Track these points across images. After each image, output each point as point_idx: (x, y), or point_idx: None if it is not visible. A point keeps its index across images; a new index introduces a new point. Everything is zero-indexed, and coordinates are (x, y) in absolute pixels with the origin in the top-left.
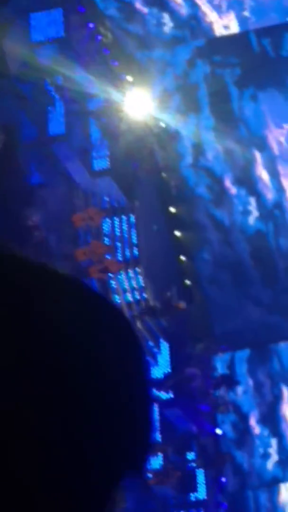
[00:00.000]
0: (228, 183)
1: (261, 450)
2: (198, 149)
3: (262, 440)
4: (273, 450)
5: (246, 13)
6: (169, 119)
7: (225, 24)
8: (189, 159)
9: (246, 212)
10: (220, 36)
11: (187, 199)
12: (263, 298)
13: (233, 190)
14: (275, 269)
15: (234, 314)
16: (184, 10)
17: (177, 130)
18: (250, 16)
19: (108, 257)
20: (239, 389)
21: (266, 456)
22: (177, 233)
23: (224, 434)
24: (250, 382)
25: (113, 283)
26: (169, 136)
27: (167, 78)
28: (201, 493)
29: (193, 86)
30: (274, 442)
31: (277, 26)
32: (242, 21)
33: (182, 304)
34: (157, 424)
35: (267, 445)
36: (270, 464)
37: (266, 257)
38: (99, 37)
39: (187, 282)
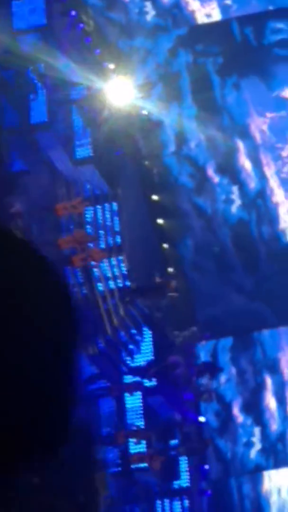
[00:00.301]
0: (210, 171)
1: (244, 439)
2: (181, 138)
3: (245, 429)
4: (256, 438)
5: (228, 1)
6: (151, 107)
7: (207, 13)
8: (172, 148)
9: (229, 201)
10: (202, 24)
11: (170, 187)
12: (245, 285)
13: (215, 178)
14: (257, 257)
15: (217, 301)
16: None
17: (159, 118)
18: (232, 4)
19: (91, 245)
20: (222, 378)
21: (249, 444)
22: (160, 221)
23: (207, 423)
24: (233, 370)
25: (96, 271)
26: (152, 124)
27: (149, 67)
28: (184, 480)
29: (175, 75)
30: (257, 430)
31: (259, 15)
32: (224, 9)
33: (173, 283)
34: (141, 411)
35: (250, 434)
36: (253, 453)
37: (248, 244)
38: (81, 25)
39: (170, 269)
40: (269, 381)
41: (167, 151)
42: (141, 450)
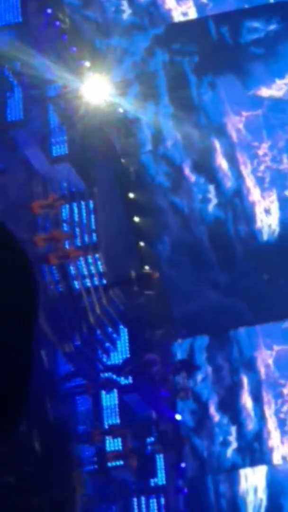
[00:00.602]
0: (187, 171)
1: (220, 438)
2: (158, 137)
3: (221, 428)
4: (232, 437)
5: (204, 0)
6: (127, 105)
7: (183, 11)
8: (148, 147)
9: (205, 200)
10: (179, 23)
11: (146, 185)
12: (221, 282)
13: (192, 178)
14: (233, 254)
15: (193, 297)
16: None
17: (136, 116)
18: (208, 3)
19: (67, 243)
20: (199, 377)
21: (226, 443)
22: (136, 219)
23: (184, 422)
24: (209, 370)
25: (72, 269)
26: (128, 122)
27: (126, 66)
28: (160, 478)
29: (152, 74)
30: (233, 429)
31: (235, 13)
32: (200, 7)
33: (156, 274)
34: (117, 409)
35: (227, 433)
36: (229, 452)
37: (224, 242)
38: (58, 23)
39: (146, 267)
40: (245, 380)
41: (144, 150)
42: (117, 448)
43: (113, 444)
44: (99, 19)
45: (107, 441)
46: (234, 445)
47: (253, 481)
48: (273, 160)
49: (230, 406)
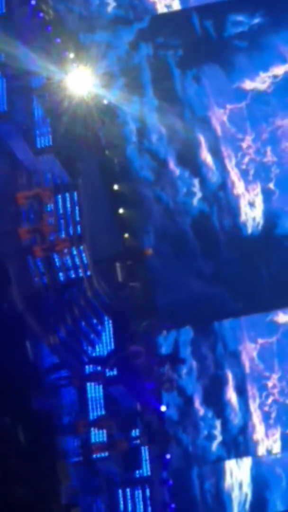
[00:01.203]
0: (172, 165)
1: (205, 432)
2: (142, 131)
3: (206, 422)
4: (217, 431)
5: None
6: (111, 96)
7: (167, 4)
8: (133, 141)
9: (190, 194)
10: (162, 15)
11: (131, 176)
12: (205, 270)
13: (176, 171)
14: (217, 243)
15: (177, 286)
16: None
17: (120, 109)
18: None
19: (52, 235)
20: (183, 371)
21: (211, 437)
22: (121, 211)
23: (169, 417)
24: (194, 364)
25: (57, 261)
26: (112, 113)
27: (110, 60)
28: (145, 470)
29: (136, 68)
30: (218, 423)
31: (219, 7)
32: (183, 0)
33: (150, 250)
34: (102, 401)
35: (212, 427)
36: (214, 445)
37: (209, 233)
38: (41, 14)
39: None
40: (230, 375)
41: (129, 143)
42: (102, 439)
43: (98, 436)
44: (84, 12)
45: (92, 433)
46: (219, 438)
47: (238, 476)
48: (257, 153)
49: (215, 400)
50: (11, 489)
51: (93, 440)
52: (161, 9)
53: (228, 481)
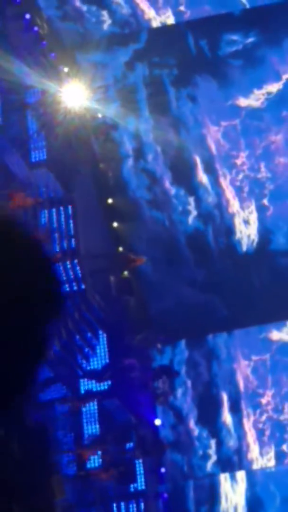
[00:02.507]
0: (167, 184)
1: (200, 452)
2: (139, 151)
3: (201, 442)
4: (212, 451)
5: (181, 8)
6: (106, 110)
7: (162, 21)
8: (130, 162)
9: (185, 212)
10: (157, 30)
11: (125, 191)
12: (197, 278)
13: (172, 191)
14: (210, 252)
15: (169, 295)
16: (123, 8)
17: (117, 130)
18: (186, 11)
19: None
20: (178, 392)
21: (205, 457)
22: (115, 224)
23: (164, 436)
24: (189, 384)
25: None
26: (106, 127)
27: (107, 81)
28: (140, 483)
29: (132, 89)
30: (213, 443)
31: (214, 27)
32: (178, 16)
33: (143, 259)
34: (96, 414)
35: (206, 447)
36: (209, 465)
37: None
38: (36, 29)
39: (126, 273)
40: (225, 397)
41: (125, 164)
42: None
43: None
44: (80, 29)
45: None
46: (213, 458)
47: (233, 499)
48: (251, 169)
49: (210, 420)
50: (5, 504)
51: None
52: (156, 25)
53: (223, 506)
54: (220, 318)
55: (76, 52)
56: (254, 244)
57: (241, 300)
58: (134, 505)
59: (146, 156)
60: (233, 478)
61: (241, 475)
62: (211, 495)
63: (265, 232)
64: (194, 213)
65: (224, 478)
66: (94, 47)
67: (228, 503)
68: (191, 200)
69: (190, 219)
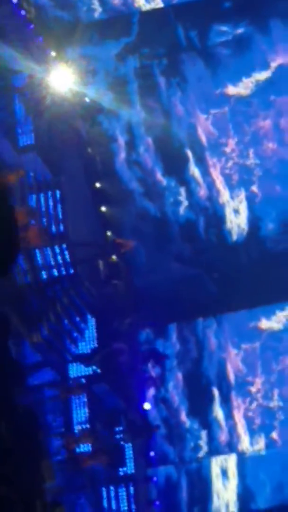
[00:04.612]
0: (158, 175)
1: (191, 444)
2: (131, 144)
3: (192, 434)
4: (203, 442)
5: None
6: (93, 94)
7: (152, 8)
8: (122, 155)
9: (177, 203)
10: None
11: (112, 174)
12: (184, 253)
13: (163, 182)
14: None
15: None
16: None
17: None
18: None
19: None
20: (170, 384)
21: (196, 448)
22: (103, 208)
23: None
24: (180, 376)
25: (40, 259)
26: (94, 111)
27: (99, 76)
28: (129, 467)
29: (124, 81)
30: (204, 434)
31: (203, 15)
32: (167, 3)
33: (131, 243)
34: (85, 399)
35: (198, 438)
36: (200, 454)
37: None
38: (23, 12)
39: (114, 257)
40: (216, 392)
41: (118, 157)
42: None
43: (83, 447)
44: (71, 18)
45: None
46: (204, 449)
47: (224, 496)
48: (240, 156)
49: (201, 412)
50: None
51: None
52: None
53: (215, 504)
54: (209, 297)
55: (67, 45)
56: (244, 233)
57: (231, 281)
58: (124, 489)
59: (138, 148)
60: (224, 475)
61: (232, 470)
62: (204, 494)
63: (254, 219)
64: (185, 203)
65: (216, 476)
66: (85, 40)
67: (220, 500)
68: (182, 190)
69: (182, 210)
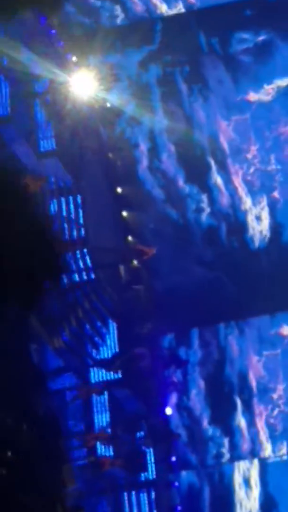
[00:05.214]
0: (181, 182)
1: (214, 451)
2: (153, 151)
3: (214, 441)
4: (225, 449)
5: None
6: (114, 99)
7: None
8: (145, 163)
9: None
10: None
11: (134, 179)
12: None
13: (186, 189)
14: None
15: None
16: (137, 5)
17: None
18: (196, 2)
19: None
20: (192, 392)
21: (219, 455)
22: (124, 213)
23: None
24: (202, 384)
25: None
26: (115, 116)
27: (123, 83)
28: (151, 472)
29: (146, 89)
30: (226, 441)
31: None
32: (189, 8)
33: (153, 250)
34: (106, 404)
35: (220, 446)
36: (224, 461)
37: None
38: (44, 18)
39: (135, 262)
40: (239, 401)
41: (141, 164)
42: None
43: (104, 450)
44: (93, 24)
45: (98, 446)
46: (227, 456)
47: (247, 506)
48: (262, 162)
49: (223, 420)
50: (16, 492)
51: (99, 453)
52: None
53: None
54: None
55: (89, 51)
56: (266, 239)
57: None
58: (145, 494)
59: (161, 156)
60: (247, 484)
61: (254, 479)
62: (226, 504)
63: (275, 225)
64: (207, 210)
65: (238, 486)
66: (107, 46)
67: (243, 509)
68: (204, 197)
69: (204, 217)
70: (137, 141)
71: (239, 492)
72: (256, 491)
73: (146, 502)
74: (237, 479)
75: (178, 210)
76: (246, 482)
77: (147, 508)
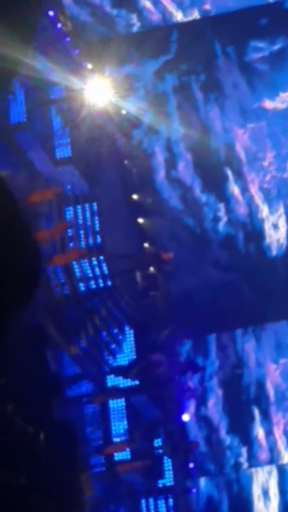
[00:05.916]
0: (197, 191)
1: (232, 461)
2: (170, 161)
3: (232, 450)
4: (243, 458)
5: (207, 6)
6: (130, 106)
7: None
8: (162, 173)
9: (216, 219)
10: (183, 25)
11: (150, 186)
12: (221, 260)
13: (203, 198)
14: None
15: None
16: (153, 14)
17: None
18: (211, 9)
19: (70, 245)
20: (210, 402)
21: (238, 465)
22: (140, 220)
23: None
24: (220, 393)
25: (78, 271)
26: (131, 123)
27: (139, 94)
28: (168, 479)
29: (163, 99)
30: (244, 450)
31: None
32: (204, 15)
33: (170, 254)
34: (124, 411)
35: (238, 455)
36: (241, 470)
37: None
38: (59, 25)
39: (151, 269)
40: (256, 412)
41: (158, 174)
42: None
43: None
44: (109, 32)
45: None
46: (245, 465)
47: None
48: (278, 169)
49: (241, 428)
50: (34, 500)
51: (117, 458)
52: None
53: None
54: (247, 305)
55: (104, 59)
56: (283, 248)
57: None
58: (163, 501)
59: (177, 165)
60: (266, 495)
61: (273, 490)
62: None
63: None
64: (224, 218)
65: (257, 498)
66: (123, 55)
67: None
68: (222, 206)
69: (221, 226)
70: (153, 150)
71: (258, 503)
72: (275, 501)
73: (164, 509)
74: (256, 490)
75: (195, 219)
76: (265, 492)
77: None
